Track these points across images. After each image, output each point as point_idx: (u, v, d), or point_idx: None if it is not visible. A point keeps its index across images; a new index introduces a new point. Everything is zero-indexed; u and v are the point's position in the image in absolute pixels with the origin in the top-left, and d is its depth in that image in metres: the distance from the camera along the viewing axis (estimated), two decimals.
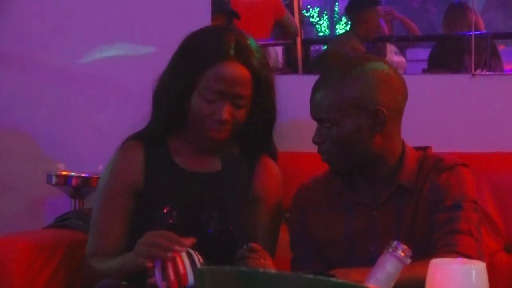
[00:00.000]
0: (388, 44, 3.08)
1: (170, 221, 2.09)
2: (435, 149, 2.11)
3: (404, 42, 3.13)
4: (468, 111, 2.70)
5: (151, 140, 2.21)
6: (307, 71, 3.12)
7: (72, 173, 2.90)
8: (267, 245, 2.01)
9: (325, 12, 3.25)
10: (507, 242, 2.45)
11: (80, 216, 2.56)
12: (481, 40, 2.79)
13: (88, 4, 3.11)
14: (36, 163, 3.07)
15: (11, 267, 2.25)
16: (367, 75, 1.97)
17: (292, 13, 3.15)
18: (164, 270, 1.84)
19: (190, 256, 1.86)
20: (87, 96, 3.08)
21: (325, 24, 3.26)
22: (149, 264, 1.85)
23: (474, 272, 1.33)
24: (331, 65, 2.93)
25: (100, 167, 2.87)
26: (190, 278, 1.83)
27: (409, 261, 1.48)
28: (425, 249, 1.86)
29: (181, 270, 1.83)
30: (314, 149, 2.05)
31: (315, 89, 2.02)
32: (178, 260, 1.84)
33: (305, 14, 3.23)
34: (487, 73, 2.74)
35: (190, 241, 1.87)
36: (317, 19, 3.25)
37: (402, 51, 3.06)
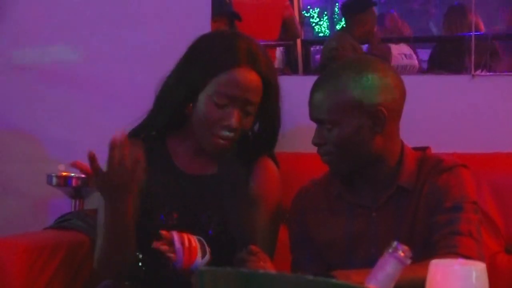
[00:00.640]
0: (396, 46, 3.08)
1: (170, 223, 2.09)
2: (435, 150, 2.11)
3: (404, 42, 3.12)
4: (468, 112, 2.70)
5: (150, 139, 2.21)
6: (307, 71, 3.12)
7: (73, 174, 2.89)
8: (266, 246, 2.02)
9: (325, 12, 3.25)
10: (507, 243, 2.45)
11: (80, 217, 2.56)
12: (481, 41, 2.79)
13: (88, 4, 3.11)
14: (36, 164, 3.07)
15: (11, 268, 2.25)
16: (367, 75, 1.97)
17: None
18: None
19: (200, 240, 1.91)
20: (88, 96, 3.07)
21: (325, 24, 3.26)
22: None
23: (474, 273, 1.33)
24: (329, 64, 2.94)
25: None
26: (199, 256, 1.86)
27: (409, 262, 1.48)
28: (425, 250, 1.86)
29: (193, 243, 1.88)
30: (314, 150, 2.05)
31: (314, 90, 2.02)
32: (191, 237, 1.90)
33: (305, 14, 3.23)
34: (487, 73, 2.74)
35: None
36: (317, 19, 3.25)
37: (415, 52, 3.05)
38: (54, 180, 2.90)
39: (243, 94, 2.08)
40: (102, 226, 2.14)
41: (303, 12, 3.20)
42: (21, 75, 3.14)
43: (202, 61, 2.13)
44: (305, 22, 3.24)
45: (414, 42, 3.09)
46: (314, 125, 2.03)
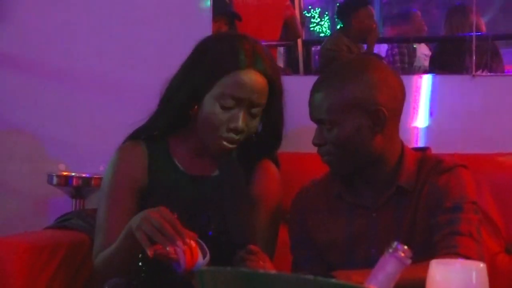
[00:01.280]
0: (417, 46, 3.08)
1: None
2: (435, 150, 2.11)
3: (405, 42, 3.13)
4: (469, 112, 2.70)
5: (152, 139, 2.21)
6: (308, 72, 3.12)
7: (73, 174, 2.89)
8: (266, 247, 2.01)
9: (326, 12, 3.25)
10: (507, 243, 2.44)
11: (81, 216, 2.56)
12: (482, 41, 2.79)
13: (88, 4, 3.11)
14: (37, 163, 3.07)
15: (12, 268, 2.24)
16: (366, 75, 1.97)
17: None
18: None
19: (198, 242, 1.90)
20: (88, 96, 3.07)
21: (326, 24, 3.26)
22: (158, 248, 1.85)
23: (474, 272, 1.33)
24: (327, 65, 2.95)
25: (101, 168, 2.86)
26: (200, 257, 1.86)
27: (409, 262, 1.48)
28: (425, 250, 1.85)
29: (193, 244, 1.86)
30: (314, 150, 2.05)
31: (314, 90, 2.01)
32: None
33: (306, 14, 3.23)
34: (488, 74, 2.74)
35: (192, 235, 1.88)
36: (318, 19, 3.25)
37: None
38: (55, 179, 2.90)
39: (249, 96, 2.09)
40: (101, 226, 2.14)
41: (304, 12, 3.20)
42: (22, 75, 3.14)
43: (208, 63, 2.13)
44: (307, 22, 3.24)
45: (414, 42, 3.09)
46: (314, 125, 2.03)
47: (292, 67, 3.09)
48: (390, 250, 1.47)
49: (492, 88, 2.71)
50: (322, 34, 3.27)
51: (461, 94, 2.72)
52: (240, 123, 2.08)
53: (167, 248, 1.84)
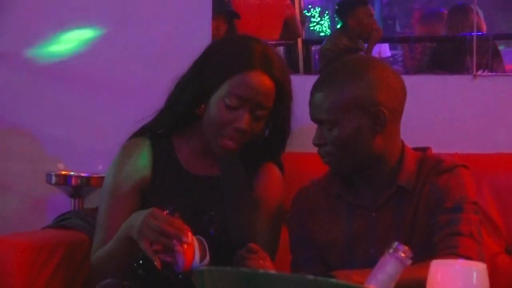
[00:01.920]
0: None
1: None
2: (436, 150, 2.11)
3: (405, 42, 3.12)
4: (470, 112, 2.69)
5: (157, 137, 2.21)
6: (308, 71, 3.12)
7: (72, 173, 2.89)
8: (267, 248, 2.01)
9: (327, 12, 3.24)
10: (508, 243, 2.44)
11: (80, 216, 2.55)
12: (482, 41, 2.79)
13: (88, 4, 3.10)
14: (35, 162, 3.06)
15: (11, 268, 2.25)
16: (367, 75, 1.96)
17: None
18: None
19: (201, 241, 1.91)
20: (87, 95, 3.07)
21: (326, 24, 3.25)
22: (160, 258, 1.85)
23: (475, 273, 1.33)
24: (327, 65, 2.94)
25: (100, 167, 2.87)
26: (197, 255, 1.86)
27: (409, 262, 1.47)
28: (425, 250, 1.85)
29: (190, 240, 1.87)
30: (314, 150, 2.04)
31: (315, 90, 2.01)
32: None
33: (306, 14, 3.22)
34: (489, 74, 2.73)
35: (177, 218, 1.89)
36: (318, 19, 3.24)
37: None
38: (54, 178, 2.90)
39: (254, 97, 2.09)
40: (102, 223, 2.14)
41: (304, 12, 3.20)
42: (21, 74, 3.14)
43: (217, 62, 2.14)
44: (307, 21, 3.24)
45: (415, 42, 3.08)
46: (314, 125, 2.03)
47: (292, 67, 3.07)
48: (391, 250, 1.46)
49: (493, 88, 2.70)
50: (322, 34, 3.26)
51: (461, 94, 2.72)
52: (244, 124, 2.08)
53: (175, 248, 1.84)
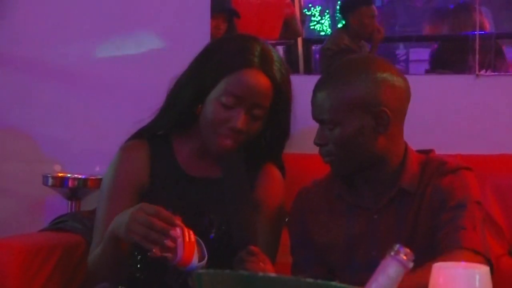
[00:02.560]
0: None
1: None
2: (438, 151, 2.10)
3: (406, 42, 3.11)
4: (472, 112, 2.69)
5: (156, 138, 2.19)
6: (308, 71, 3.11)
7: (69, 175, 2.90)
8: (267, 250, 2.00)
9: (327, 11, 3.23)
10: (511, 245, 2.43)
11: (76, 218, 2.55)
12: (485, 40, 2.78)
13: (87, 4, 3.11)
14: (32, 164, 3.07)
15: (7, 270, 2.26)
16: (370, 75, 1.95)
17: None
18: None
19: (199, 242, 1.90)
20: (85, 96, 3.08)
21: (326, 23, 3.24)
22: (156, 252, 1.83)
23: (478, 276, 1.31)
24: (327, 64, 2.93)
25: (97, 169, 2.87)
26: (196, 255, 1.85)
27: (411, 265, 1.45)
28: (428, 253, 1.83)
29: (192, 238, 1.85)
30: (315, 150, 2.03)
31: (317, 89, 2.00)
32: (191, 232, 1.87)
33: (306, 13, 3.22)
34: (492, 73, 2.73)
35: (178, 219, 1.87)
36: (319, 18, 3.23)
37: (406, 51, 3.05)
38: (50, 180, 2.90)
39: (250, 96, 2.07)
40: (99, 225, 2.12)
41: (304, 11, 3.19)
42: (18, 75, 3.14)
43: (215, 60, 2.13)
44: (307, 21, 3.23)
45: (417, 41, 3.08)
46: (316, 125, 2.01)
47: (292, 66, 3.06)
48: (392, 253, 1.44)
49: (496, 87, 2.71)
50: (322, 33, 3.26)
51: (464, 93, 2.72)
52: (239, 123, 2.06)
53: (165, 242, 1.82)
